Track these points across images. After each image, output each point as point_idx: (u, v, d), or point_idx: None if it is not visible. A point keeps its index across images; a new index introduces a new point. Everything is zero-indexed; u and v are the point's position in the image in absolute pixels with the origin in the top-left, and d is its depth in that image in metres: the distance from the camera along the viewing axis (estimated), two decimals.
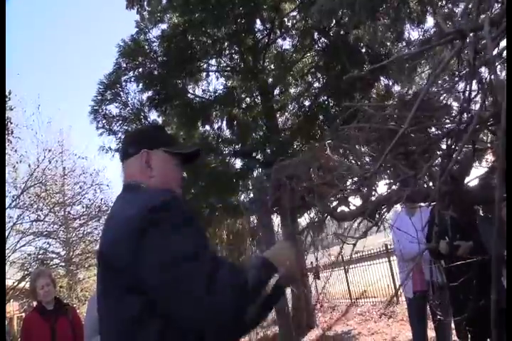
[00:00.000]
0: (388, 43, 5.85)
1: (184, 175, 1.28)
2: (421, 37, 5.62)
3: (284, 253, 1.08)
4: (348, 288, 9.82)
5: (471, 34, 0.60)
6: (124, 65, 6.59)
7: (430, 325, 3.55)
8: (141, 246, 0.93)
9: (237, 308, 0.87)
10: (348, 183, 1.36)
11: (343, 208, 1.39)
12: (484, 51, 0.63)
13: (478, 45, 0.62)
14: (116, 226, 1.02)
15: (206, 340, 0.93)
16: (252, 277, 0.92)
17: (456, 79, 0.97)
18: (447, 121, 1.00)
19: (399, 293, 3.96)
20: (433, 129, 1.02)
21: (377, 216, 0.99)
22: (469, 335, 2.88)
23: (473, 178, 0.89)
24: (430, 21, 5.54)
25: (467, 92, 0.73)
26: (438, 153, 0.93)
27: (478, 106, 0.89)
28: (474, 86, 0.89)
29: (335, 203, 1.43)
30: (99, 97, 6.59)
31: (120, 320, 0.98)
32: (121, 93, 6.64)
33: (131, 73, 6.63)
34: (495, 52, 0.69)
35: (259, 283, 0.92)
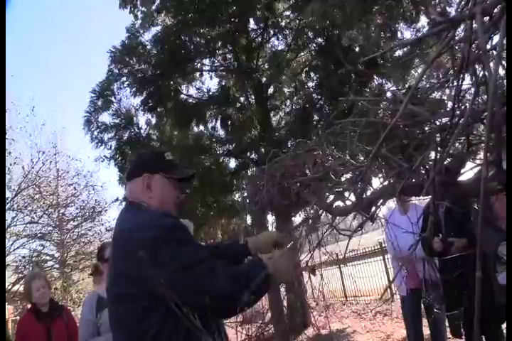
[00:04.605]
0: (382, 43, 5.86)
1: (182, 196, 1.59)
2: (414, 36, 5.65)
3: (283, 263, 1.32)
4: (343, 286, 9.87)
5: (463, 23, 0.60)
6: (117, 71, 6.58)
7: (425, 322, 3.57)
8: (156, 260, 1.16)
9: (231, 293, 1.19)
10: (343, 178, 1.36)
11: (339, 203, 1.39)
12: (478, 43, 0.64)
13: (472, 35, 0.62)
14: (130, 244, 1.25)
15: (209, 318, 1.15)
16: (246, 272, 1.24)
17: (451, 72, 0.97)
18: (442, 115, 1.00)
19: (394, 290, 3.98)
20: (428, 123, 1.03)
21: (372, 209, 1.00)
22: (463, 332, 2.90)
23: (467, 170, 0.90)
24: (423, 20, 5.57)
25: (459, 86, 0.74)
26: (432, 146, 0.93)
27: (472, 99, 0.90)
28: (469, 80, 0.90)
29: (330, 198, 1.43)
30: (91, 107, 6.57)
31: (128, 319, 1.25)
32: (114, 100, 6.63)
33: (123, 78, 6.62)
34: (488, 45, 0.70)
35: (252, 277, 1.21)
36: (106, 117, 6.76)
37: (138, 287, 1.21)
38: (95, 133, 6.61)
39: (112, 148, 6.64)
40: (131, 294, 1.23)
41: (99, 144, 6.61)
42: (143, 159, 1.59)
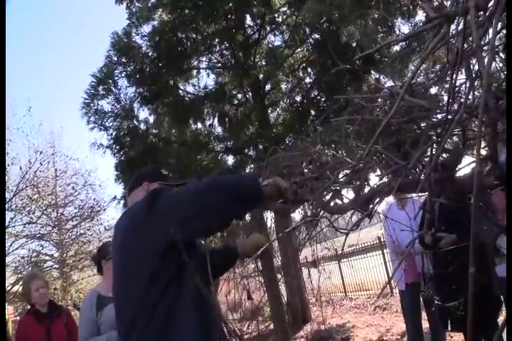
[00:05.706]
0: (379, 38, 5.83)
1: None
2: (411, 31, 5.62)
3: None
4: (343, 281, 9.91)
5: (458, 18, 0.60)
6: (116, 59, 6.51)
7: (424, 316, 3.59)
8: (153, 213, 1.36)
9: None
10: (340, 176, 1.36)
11: (337, 201, 1.39)
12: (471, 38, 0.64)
13: (466, 30, 0.62)
14: (126, 218, 1.50)
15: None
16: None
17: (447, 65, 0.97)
18: (437, 111, 1.00)
19: (393, 284, 3.99)
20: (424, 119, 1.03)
21: (370, 207, 1.00)
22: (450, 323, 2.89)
23: (464, 166, 0.89)
24: (421, 15, 5.55)
25: (454, 81, 0.74)
26: (428, 142, 0.93)
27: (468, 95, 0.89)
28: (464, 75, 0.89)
29: (328, 197, 1.42)
30: (91, 91, 6.49)
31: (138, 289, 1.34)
32: (113, 88, 6.56)
33: (121, 68, 6.55)
34: (489, 38, 0.69)
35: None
36: (105, 105, 6.67)
37: (145, 249, 1.35)
38: (93, 118, 6.48)
39: (109, 133, 6.55)
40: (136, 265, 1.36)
41: (96, 126, 6.48)
42: (142, 173, 1.82)
